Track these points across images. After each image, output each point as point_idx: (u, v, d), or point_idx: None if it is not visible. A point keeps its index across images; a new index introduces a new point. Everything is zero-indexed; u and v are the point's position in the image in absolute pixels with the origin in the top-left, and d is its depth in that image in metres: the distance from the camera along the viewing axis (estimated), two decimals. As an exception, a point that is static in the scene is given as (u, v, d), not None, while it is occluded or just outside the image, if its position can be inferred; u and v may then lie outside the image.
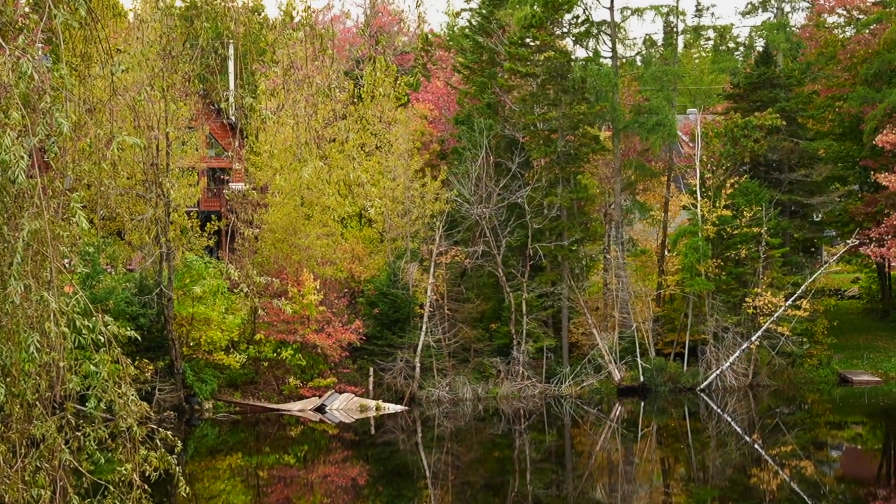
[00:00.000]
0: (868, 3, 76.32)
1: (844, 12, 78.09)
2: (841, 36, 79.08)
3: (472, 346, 64.10)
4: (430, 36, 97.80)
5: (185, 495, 17.19)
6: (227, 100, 47.32)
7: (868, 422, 62.38)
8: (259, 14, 75.87)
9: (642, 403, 63.25)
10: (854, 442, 57.30)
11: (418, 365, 61.48)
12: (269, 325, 59.81)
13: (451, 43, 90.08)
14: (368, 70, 70.35)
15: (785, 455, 49.90)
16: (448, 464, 48.67)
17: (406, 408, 60.13)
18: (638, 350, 64.75)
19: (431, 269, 62.41)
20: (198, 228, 60.41)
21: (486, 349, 64.36)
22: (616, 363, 64.42)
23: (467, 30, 75.30)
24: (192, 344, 57.73)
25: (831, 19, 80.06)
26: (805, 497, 40.21)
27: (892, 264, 79.89)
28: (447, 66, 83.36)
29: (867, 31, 74.97)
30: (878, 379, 68.86)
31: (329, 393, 59.85)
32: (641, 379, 64.46)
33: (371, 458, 51.04)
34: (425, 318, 61.66)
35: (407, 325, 62.44)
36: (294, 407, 59.38)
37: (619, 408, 62.53)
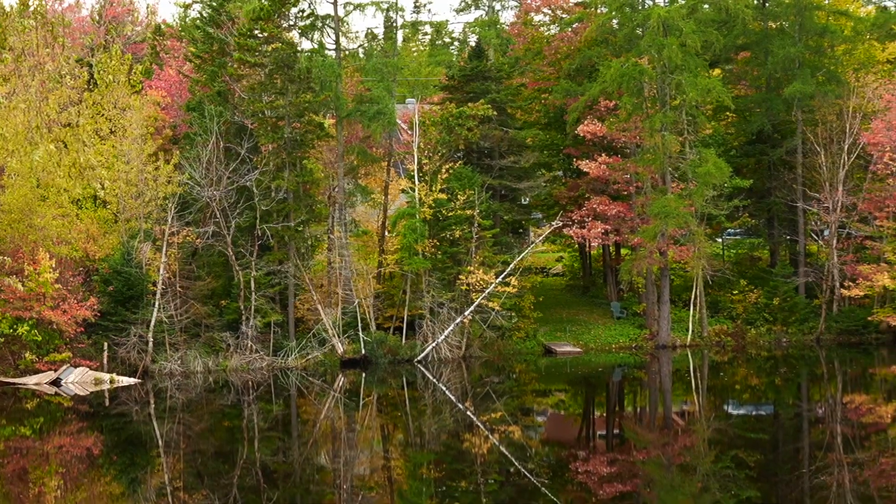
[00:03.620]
0: (571, 4, 78.71)
1: (550, 11, 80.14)
2: (546, 33, 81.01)
3: (204, 321, 64.55)
4: (162, 26, 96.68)
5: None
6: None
7: (570, 389, 64.71)
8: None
9: (364, 374, 64.65)
10: (557, 408, 59.20)
11: (151, 340, 61.80)
12: (5, 302, 59.11)
13: (182, 33, 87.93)
14: (103, 58, 69.78)
15: (495, 421, 51.21)
16: (180, 433, 48.77)
17: (139, 381, 60.31)
18: (360, 324, 66.35)
19: (164, 249, 62.45)
20: (-69, 209, 59.20)
21: (216, 324, 64.91)
22: (339, 337, 65.95)
23: (198, 21, 73.35)
24: (-76, 320, 56.87)
25: (538, 17, 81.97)
26: (513, 459, 41.69)
27: (592, 244, 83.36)
28: (179, 56, 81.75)
29: (570, 29, 77.41)
30: (579, 350, 72.15)
31: (64, 367, 59.74)
32: (363, 351, 66.27)
33: (105, 428, 50.68)
34: (158, 295, 61.75)
35: (140, 302, 62.56)
36: (30, 381, 59.30)
37: (342, 379, 63.70)
